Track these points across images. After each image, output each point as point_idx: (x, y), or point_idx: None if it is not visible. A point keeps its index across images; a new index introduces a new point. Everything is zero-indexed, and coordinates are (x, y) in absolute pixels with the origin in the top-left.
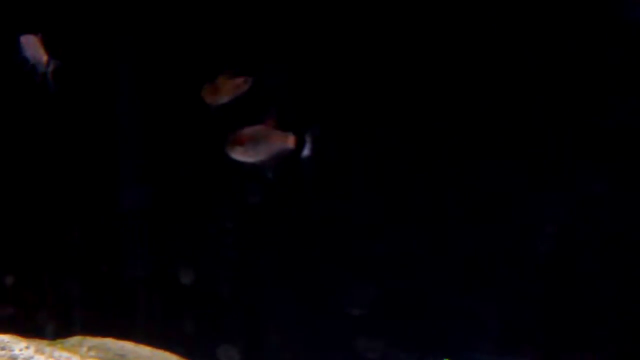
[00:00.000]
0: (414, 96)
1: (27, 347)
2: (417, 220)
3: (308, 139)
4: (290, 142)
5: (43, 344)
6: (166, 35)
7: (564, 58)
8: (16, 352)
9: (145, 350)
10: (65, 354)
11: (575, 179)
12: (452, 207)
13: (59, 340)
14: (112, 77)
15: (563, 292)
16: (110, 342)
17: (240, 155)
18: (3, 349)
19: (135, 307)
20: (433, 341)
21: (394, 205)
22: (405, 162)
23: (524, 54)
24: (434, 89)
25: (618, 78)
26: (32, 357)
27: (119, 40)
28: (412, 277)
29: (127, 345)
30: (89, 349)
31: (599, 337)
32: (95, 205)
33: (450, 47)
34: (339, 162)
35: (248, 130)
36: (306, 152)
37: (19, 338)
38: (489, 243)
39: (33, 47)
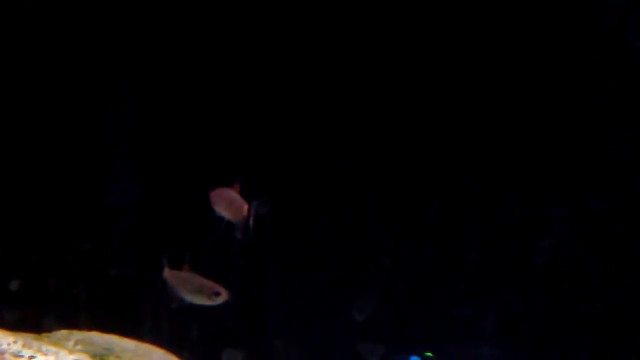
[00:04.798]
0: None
1: (14, 342)
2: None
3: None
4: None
5: (30, 337)
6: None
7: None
8: (4, 346)
9: (130, 343)
10: (52, 348)
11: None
12: None
13: (45, 334)
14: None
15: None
16: (96, 336)
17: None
18: None
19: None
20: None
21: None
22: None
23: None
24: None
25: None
26: (20, 352)
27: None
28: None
29: (113, 339)
30: (76, 342)
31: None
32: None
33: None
34: None
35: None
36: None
37: (7, 332)
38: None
39: None
